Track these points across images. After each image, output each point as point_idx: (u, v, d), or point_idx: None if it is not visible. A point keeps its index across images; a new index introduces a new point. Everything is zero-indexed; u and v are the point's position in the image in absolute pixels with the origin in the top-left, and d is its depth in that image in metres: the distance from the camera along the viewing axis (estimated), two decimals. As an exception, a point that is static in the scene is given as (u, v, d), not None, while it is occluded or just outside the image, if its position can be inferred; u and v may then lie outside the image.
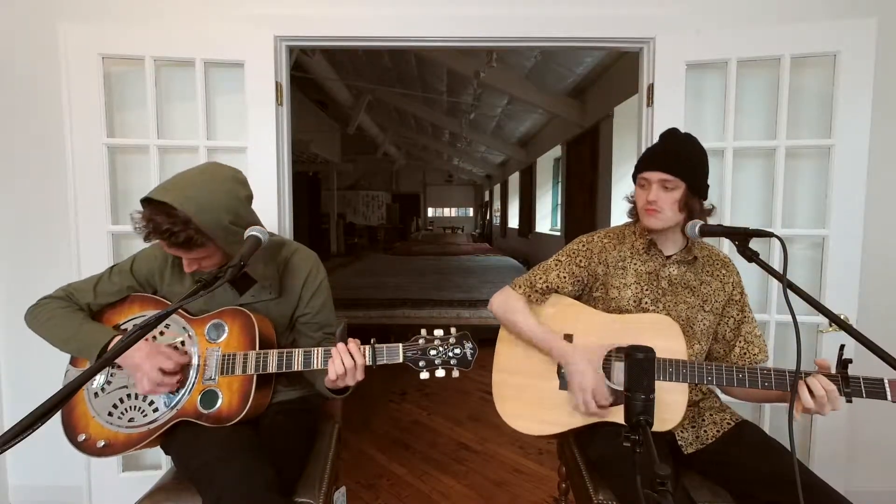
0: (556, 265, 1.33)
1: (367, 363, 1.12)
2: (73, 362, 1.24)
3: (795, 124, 1.75)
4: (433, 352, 1.12)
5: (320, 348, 1.16)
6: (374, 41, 1.91)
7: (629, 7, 1.83)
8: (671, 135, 1.27)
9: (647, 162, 1.24)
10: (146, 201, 1.06)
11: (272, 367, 1.15)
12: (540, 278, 1.32)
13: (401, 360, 1.13)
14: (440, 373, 1.12)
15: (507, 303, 1.32)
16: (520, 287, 1.33)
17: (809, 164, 1.79)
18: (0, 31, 1.84)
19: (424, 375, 1.11)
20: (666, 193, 1.20)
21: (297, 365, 1.15)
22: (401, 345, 1.13)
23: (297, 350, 1.16)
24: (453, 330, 1.14)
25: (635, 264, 1.29)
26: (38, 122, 1.86)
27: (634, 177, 1.29)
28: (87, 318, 1.20)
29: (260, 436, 1.18)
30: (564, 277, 1.31)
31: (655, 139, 1.76)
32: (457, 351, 1.12)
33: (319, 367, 1.14)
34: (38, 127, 1.86)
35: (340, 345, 1.11)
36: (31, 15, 1.84)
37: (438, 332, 1.14)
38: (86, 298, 1.23)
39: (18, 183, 1.89)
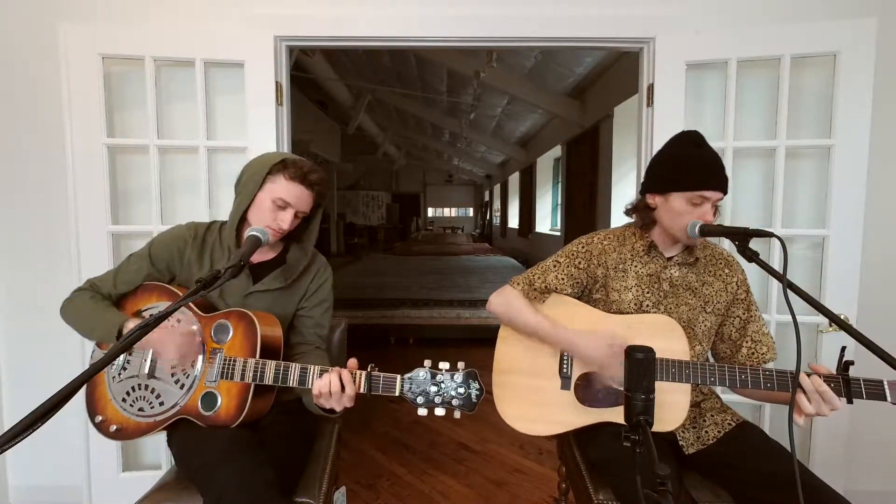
0: (555, 266, 1.31)
1: (361, 391, 1.06)
2: (98, 344, 1.26)
3: (795, 124, 1.75)
4: (434, 388, 1.02)
5: (317, 366, 1.11)
6: (374, 41, 1.91)
7: (629, 7, 1.83)
8: (705, 142, 1.20)
9: (711, 180, 1.15)
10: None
11: (269, 379, 1.13)
12: (538, 278, 1.31)
13: (397, 394, 1.03)
14: (440, 411, 1.02)
15: (506, 299, 1.31)
16: (518, 284, 1.32)
17: (809, 164, 1.79)
18: (0, 31, 1.85)
19: (422, 412, 1.03)
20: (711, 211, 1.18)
21: (293, 381, 1.12)
22: (399, 377, 1.05)
23: (294, 365, 1.13)
24: (461, 364, 1.05)
25: (636, 266, 1.28)
26: (38, 122, 1.86)
27: (676, 187, 1.18)
28: (109, 307, 1.24)
29: (260, 436, 1.17)
30: (563, 279, 1.29)
31: (656, 139, 1.79)
32: (461, 391, 1.01)
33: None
34: (38, 127, 1.86)
35: (337, 369, 1.08)
36: (31, 15, 1.84)
37: (444, 365, 1.05)
38: (107, 288, 1.27)
39: (18, 183, 1.89)
